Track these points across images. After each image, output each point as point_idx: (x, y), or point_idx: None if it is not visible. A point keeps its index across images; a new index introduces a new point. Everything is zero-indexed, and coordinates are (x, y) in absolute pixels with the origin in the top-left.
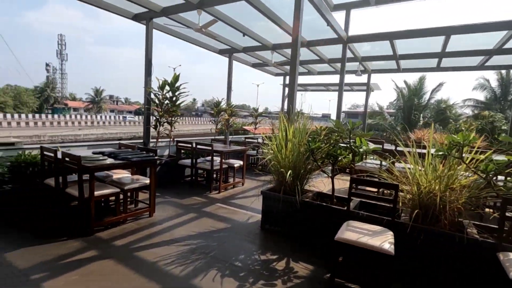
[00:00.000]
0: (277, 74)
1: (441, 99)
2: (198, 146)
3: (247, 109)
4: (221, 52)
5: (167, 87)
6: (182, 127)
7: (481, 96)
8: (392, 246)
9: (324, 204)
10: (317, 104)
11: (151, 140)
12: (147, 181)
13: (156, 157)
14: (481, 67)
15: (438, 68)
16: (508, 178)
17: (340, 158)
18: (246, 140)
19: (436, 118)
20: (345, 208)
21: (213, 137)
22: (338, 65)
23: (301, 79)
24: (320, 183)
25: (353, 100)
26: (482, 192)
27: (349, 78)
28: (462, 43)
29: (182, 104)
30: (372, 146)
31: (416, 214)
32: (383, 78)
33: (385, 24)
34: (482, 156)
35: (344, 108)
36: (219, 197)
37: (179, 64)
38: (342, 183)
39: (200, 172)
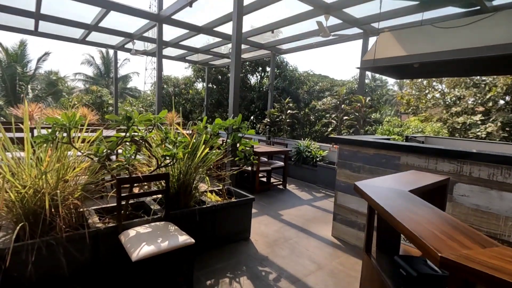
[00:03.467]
0: None
1: (51, 70)
2: None
3: None
4: None
5: None
6: None
7: (89, 71)
8: None
9: None
10: None
11: None
12: None
13: None
14: (83, 41)
15: (37, 33)
16: (119, 158)
17: None
18: None
19: (48, 91)
20: None
21: None
22: None
23: None
24: None
25: None
26: (98, 175)
27: None
28: (61, 10)
29: None
30: None
31: (21, 229)
32: None
33: None
34: (94, 136)
35: None
36: None
37: None
38: None
39: None
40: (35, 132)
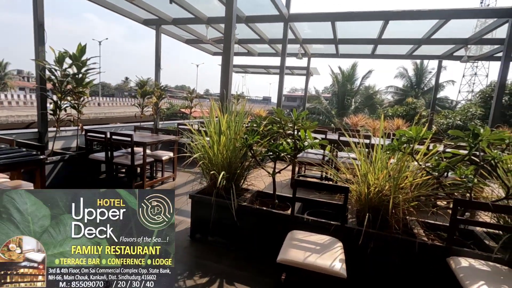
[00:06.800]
0: (215, 54)
1: (369, 85)
2: (114, 137)
3: (187, 90)
4: (146, 22)
5: (68, 61)
6: (113, 109)
7: (400, 83)
8: (344, 266)
9: (265, 209)
10: (258, 86)
11: (50, 129)
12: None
13: (41, 157)
14: (409, 56)
15: (373, 55)
16: (458, 175)
17: (282, 155)
18: (179, 127)
19: (366, 103)
20: (289, 212)
21: (138, 123)
22: (279, 46)
23: (241, 60)
24: (259, 180)
25: (291, 83)
26: (432, 191)
27: (289, 61)
28: (396, 31)
29: (94, 83)
30: (317, 137)
31: (367, 218)
32: (320, 63)
33: (326, 6)
34: (423, 148)
35: (284, 91)
36: None
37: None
38: (282, 174)
39: (121, 167)
40: (373, 140)
